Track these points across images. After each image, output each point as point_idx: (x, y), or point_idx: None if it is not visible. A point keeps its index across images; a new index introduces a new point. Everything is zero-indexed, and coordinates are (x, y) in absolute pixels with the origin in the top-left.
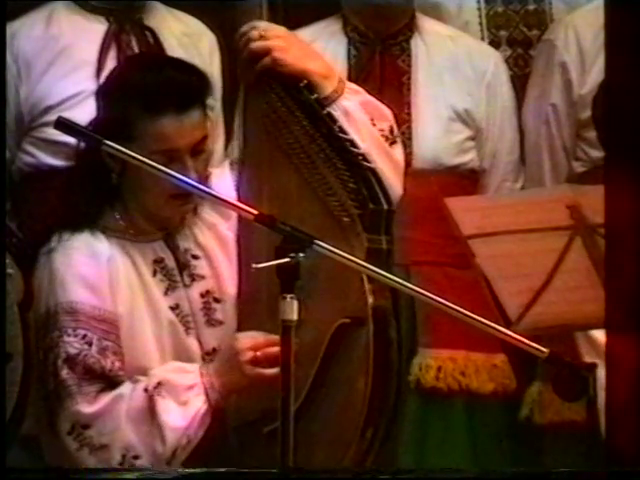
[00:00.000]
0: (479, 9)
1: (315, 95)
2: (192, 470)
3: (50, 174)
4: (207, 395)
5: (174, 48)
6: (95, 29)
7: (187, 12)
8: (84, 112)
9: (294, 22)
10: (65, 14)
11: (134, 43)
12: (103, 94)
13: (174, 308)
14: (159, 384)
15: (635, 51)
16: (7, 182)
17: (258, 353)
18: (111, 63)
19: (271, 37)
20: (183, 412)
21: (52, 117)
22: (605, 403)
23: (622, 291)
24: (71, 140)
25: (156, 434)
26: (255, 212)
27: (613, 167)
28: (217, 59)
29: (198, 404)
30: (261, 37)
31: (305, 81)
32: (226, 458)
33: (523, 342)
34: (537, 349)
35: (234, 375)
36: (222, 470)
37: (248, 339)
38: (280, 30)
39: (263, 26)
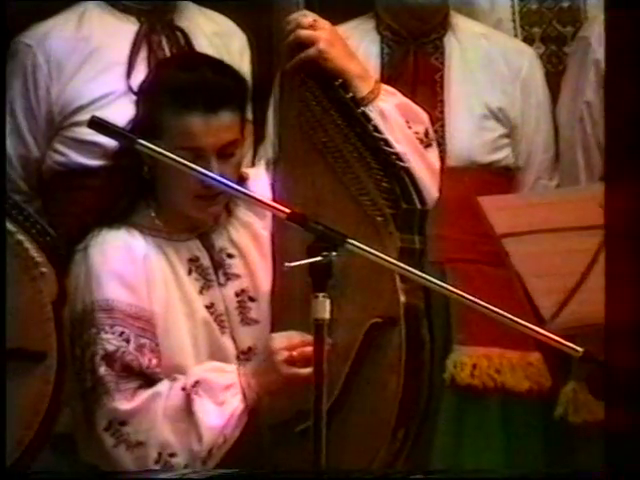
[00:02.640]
0: (512, 6)
1: (350, 94)
2: (224, 471)
3: (80, 172)
4: (244, 395)
5: (205, 48)
6: (126, 29)
7: (219, 12)
8: (114, 112)
9: (329, 20)
10: (97, 14)
11: (165, 43)
12: (139, 92)
13: (209, 307)
14: (197, 383)
15: (635, 51)
16: (37, 181)
17: (294, 353)
18: (141, 63)
19: (320, 28)
20: (220, 411)
21: (82, 117)
22: (605, 403)
23: (622, 293)
24: (101, 139)
25: (193, 433)
26: (287, 211)
27: (613, 167)
28: (247, 59)
29: (235, 404)
30: (311, 26)
31: (340, 80)
32: (258, 457)
33: (557, 341)
34: (572, 348)
35: (270, 375)
36: (255, 470)
37: (283, 339)
38: (328, 24)
39: (314, 16)
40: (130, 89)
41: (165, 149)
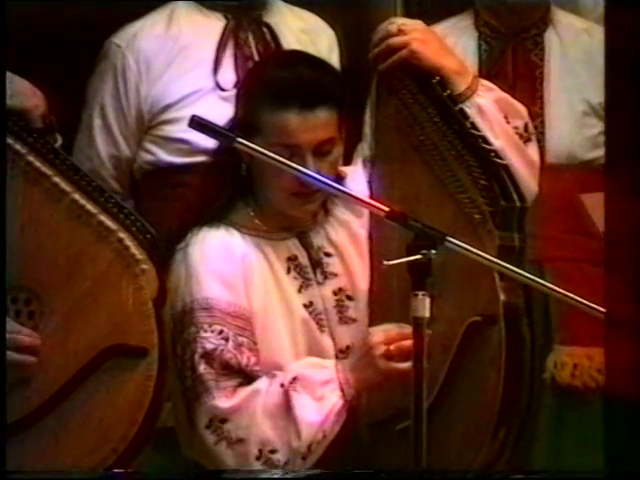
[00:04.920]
0: None
1: (448, 91)
2: (320, 471)
3: (170, 171)
4: (342, 391)
5: (292, 44)
6: (213, 27)
7: (307, 9)
8: (201, 109)
9: (427, 18)
10: (185, 13)
11: (251, 40)
12: (239, 91)
13: (307, 306)
14: (295, 379)
15: (635, 51)
16: (129, 180)
17: (391, 347)
18: (228, 60)
19: (409, 31)
20: (319, 407)
21: (170, 115)
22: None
23: (623, 294)
24: (189, 137)
25: (292, 429)
26: (386, 209)
27: (613, 168)
28: (336, 56)
29: (334, 399)
30: (400, 32)
31: (438, 77)
32: (358, 457)
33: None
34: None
35: (368, 370)
36: (355, 470)
37: (381, 333)
38: (418, 24)
39: (401, 21)
40: (217, 86)
41: (261, 146)
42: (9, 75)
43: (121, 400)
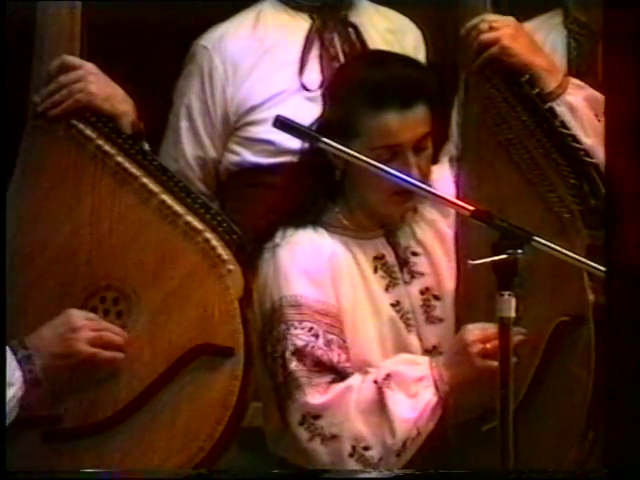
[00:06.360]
0: None
1: (537, 90)
2: (413, 471)
3: (256, 171)
4: (436, 387)
5: (377, 44)
6: (299, 27)
7: (394, 8)
8: (287, 110)
9: (517, 16)
10: (271, 13)
11: (336, 40)
12: (330, 92)
13: (395, 305)
14: (388, 376)
15: (635, 51)
16: (215, 182)
17: (487, 345)
18: (314, 61)
19: (501, 27)
20: (413, 404)
21: (256, 116)
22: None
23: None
24: (274, 138)
25: (386, 426)
26: (471, 208)
27: (614, 169)
28: (422, 56)
29: (428, 396)
30: (491, 29)
31: (527, 75)
32: (446, 457)
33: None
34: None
35: (463, 367)
36: (442, 470)
37: (478, 331)
38: (510, 20)
39: (492, 17)
40: (303, 87)
41: (361, 148)
42: (104, 78)
43: (207, 399)
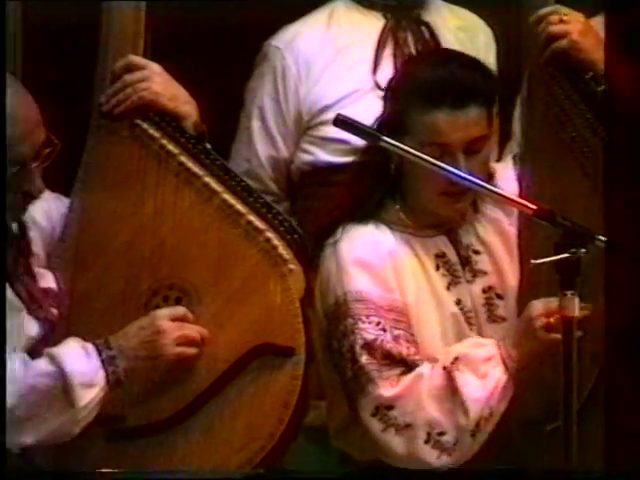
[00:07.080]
0: None
1: (602, 87)
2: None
3: (327, 170)
4: (505, 366)
5: (450, 43)
6: (372, 26)
7: (464, 7)
8: (360, 109)
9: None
10: (344, 12)
11: (410, 39)
12: (389, 90)
13: (456, 303)
14: (457, 359)
15: (634, 52)
16: (286, 181)
17: (551, 319)
18: (387, 60)
19: (571, 21)
20: (483, 384)
21: (329, 116)
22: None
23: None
24: (347, 137)
25: (459, 408)
26: (534, 207)
27: (614, 170)
28: (493, 54)
29: (497, 375)
30: (561, 21)
31: (591, 72)
32: (509, 455)
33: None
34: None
35: (529, 342)
36: (505, 467)
37: (540, 305)
38: (580, 16)
39: (563, 10)
40: (377, 85)
41: (411, 145)
42: (168, 79)
43: (268, 399)
